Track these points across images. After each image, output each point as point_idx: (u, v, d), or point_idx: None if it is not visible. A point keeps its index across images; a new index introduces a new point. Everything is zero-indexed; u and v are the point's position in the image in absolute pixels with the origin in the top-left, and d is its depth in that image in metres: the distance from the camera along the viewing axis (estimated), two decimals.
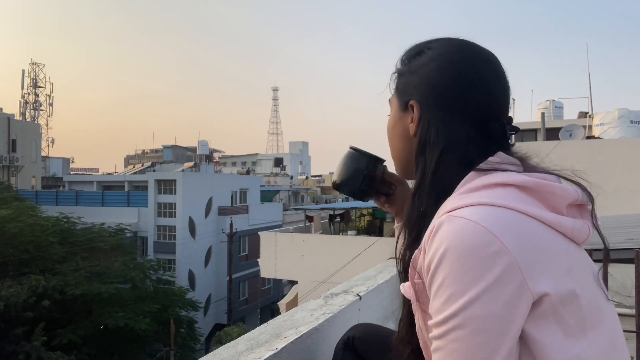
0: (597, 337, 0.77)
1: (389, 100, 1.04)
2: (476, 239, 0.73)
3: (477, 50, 0.95)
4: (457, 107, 0.90)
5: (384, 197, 1.26)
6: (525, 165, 0.89)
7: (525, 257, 0.73)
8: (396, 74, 1.02)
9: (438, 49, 0.95)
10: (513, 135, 0.93)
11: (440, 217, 0.79)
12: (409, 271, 0.87)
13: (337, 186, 1.24)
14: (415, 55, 0.98)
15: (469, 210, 0.77)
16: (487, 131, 0.89)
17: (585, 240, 0.84)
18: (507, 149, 0.91)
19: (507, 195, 0.79)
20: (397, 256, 0.98)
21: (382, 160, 1.24)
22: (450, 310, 0.73)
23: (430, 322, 0.78)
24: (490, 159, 0.87)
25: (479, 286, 0.72)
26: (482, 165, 0.86)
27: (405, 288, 0.89)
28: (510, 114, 0.94)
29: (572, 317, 0.75)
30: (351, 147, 1.25)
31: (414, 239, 0.91)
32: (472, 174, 0.85)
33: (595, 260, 0.89)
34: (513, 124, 0.93)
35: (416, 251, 0.84)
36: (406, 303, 0.97)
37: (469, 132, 0.89)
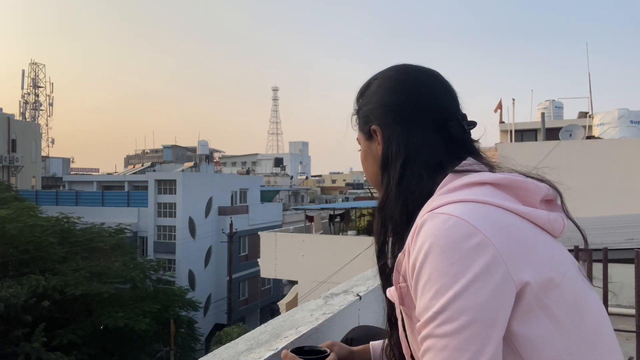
0: (585, 327, 0.78)
1: (357, 139, 1.10)
2: (459, 232, 0.76)
3: (417, 67, 1.04)
4: (411, 117, 0.97)
5: None
6: (494, 168, 0.94)
7: (506, 248, 0.75)
8: (355, 114, 1.09)
9: (382, 76, 1.04)
10: (472, 131, 0.99)
11: (423, 216, 0.82)
12: (394, 275, 0.88)
13: None
14: (365, 90, 1.07)
15: (450, 207, 0.80)
16: (447, 131, 0.95)
17: (561, 232, 0.87)
18: (474, 153, 0.96)
19: (485, 192, 0.83)
20: (378, 266, 1.00)
21: (325, 353, 1.14)
22: (439, 305, 0.74)
23: (418, 324, 0.78)
24: (464, 162, 0.92)
25: (465, 278, 0.73)
26: (457, 167, 0.90)
27: (391, 292, 0.91)
28: (464, 112, 1.01)
29: (559, 308, 0.77)
30: (292, 351, 1.14)
31: (380, 247, 0.97)
32: (449, 176, 0.89)
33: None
34: (469, 120, 0.99)
35: (399, 255, 0.86)
36: (389, 311, 0.99)
37: (429, 137, 0.95)
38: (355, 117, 1.10)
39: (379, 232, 0.97)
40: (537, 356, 0.75)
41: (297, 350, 1.15)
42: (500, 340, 0.73)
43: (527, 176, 0.90)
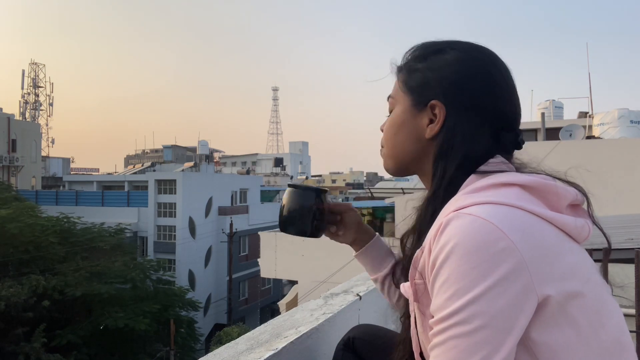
0: (606, 335, 0.77)
1: (390, 96, 1.00)
2: (485, 235, 0.72)
3: (501, 60, 0.93)
4: (484, 113, 0.89)
5: (334, 227, 1.26)
6: (521, 168, 0.90)
7: (532, 255, 0.72)
8: (405, 69, 0.98)
9: (464, 51, 0.92)
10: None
11: (448, 215, 0.78)
12: (410, 271, 0.86)
13: (287, 227, 1.19)
14: (434, 53, 0.94)
15: (477, 208, 0.76)
16: (500, 140, 0.89)
17: (586, 238, 0.84)
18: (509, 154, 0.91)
19: (512, 195, 0.79)
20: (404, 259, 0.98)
21: (325, 191, 1.21)
22: (455, 306, 0.72)
23: (431, 321, 0.77)
24: (491, 160, 0.87)
25: (485, 282, 0.71)
26: (482, 168, 0.86)
27: (405, 288, 0.88)
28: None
29: (582, 316, 0.75)
30: (291, 185, 1.20)
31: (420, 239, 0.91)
32: (473, 176, 0.85)
33: (595, 260, 0.89)
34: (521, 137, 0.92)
35: (417, 251, 0.84)
36: (405, 305, 0.97)
37: (489, 141, 0.88)
38: (403, 70, 0.97)
39: (427, 223, 0.88)
40: None
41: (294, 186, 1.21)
42: (513, 349, 0.72)
43: (555, 178, 0.86)
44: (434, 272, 0.77)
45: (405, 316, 0.97)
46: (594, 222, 0.87)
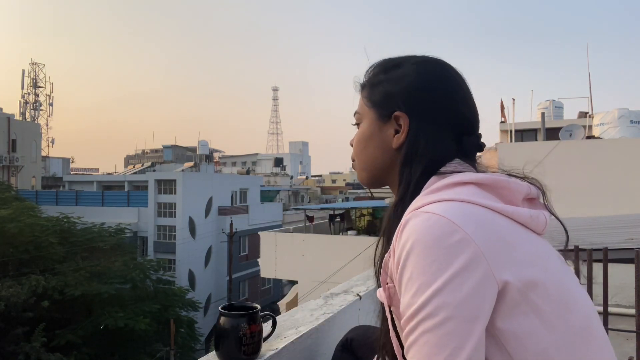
0: (572, 321, 0.79)
1: (357, 112, 1.04)
2: (440, 229, 0.76)
3: (454, 68, 0.99)
4: (445, 119, 0.93)
5: None
6: (478, 168, 0.94)
7: (488, 245, 0.76)
8: (367, 85, 1.02)
9: (419, 63, 0.97)
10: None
11: (407, 215, 0.83)
12: (381, 276, 0.89)
13: (217, 353, 1.24)
14: (393, 68, 0.99)
15: (433, 206, 0.81)
16: (462, 143, 0.93)
17: (544, 229, 0.88)
18: (465, 155, 0.95)
19: (467, 192, 0.83)
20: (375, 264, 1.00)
21: (256, 311, 1.26)
22: (420, 301, 0.75)
23: (402, 321, 0.79)
24: (450, 163, 0.91)
25: (445, 274, 0.74)
26: (441, 169, 0.90)
27: (380, 293, 0.91)
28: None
29: (545, 303, 0.77)
30: (222, 308, 1.23)
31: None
32: (433, 177, 0.89)
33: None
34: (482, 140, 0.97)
35: (386, 255, 0.87)
36: (382, 310, 0.98)
37: (451, 144, 0.93)
38: (365, 88, 1.02)
39: (395, 226, 0.91)
40: (524, 351, 0.75)
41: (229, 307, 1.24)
42: (482, 336, 0.74)
43: (510, 175, 0.90)
44: (399, 272, 0.80)
45: (382, 320, 0.99)
46: (551, 213, 0.91)
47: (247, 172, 48.45)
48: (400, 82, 0.96)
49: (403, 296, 0.79)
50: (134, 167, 45.56)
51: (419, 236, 0.77)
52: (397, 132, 0.95)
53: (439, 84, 0.95)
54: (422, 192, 0.88)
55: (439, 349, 0.73)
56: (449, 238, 0.75)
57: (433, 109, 0.93)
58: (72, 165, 50.39)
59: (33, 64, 57.26)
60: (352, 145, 1.07)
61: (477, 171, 0.92)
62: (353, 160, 1.06)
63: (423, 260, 0.76)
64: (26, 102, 56.03)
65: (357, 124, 1.04)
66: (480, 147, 0.96)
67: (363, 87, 1.03)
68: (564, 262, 0.87)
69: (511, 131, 15.70)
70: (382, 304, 0.95)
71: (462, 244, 0.75)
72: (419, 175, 0.91)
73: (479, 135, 0.97)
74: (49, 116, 57.31)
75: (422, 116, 0.93)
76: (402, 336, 0.80)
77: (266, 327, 1.36)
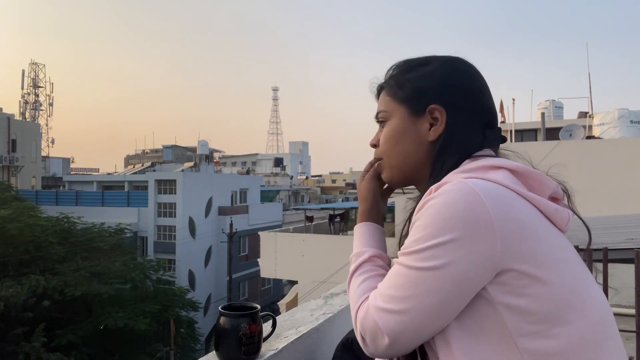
0: (581, 325, 0.78)
1: (382, 111, 1.02)
2: (464, 196, 0.78)
3: (473, 64, 1.02)
4: (476, 111, 0.97)
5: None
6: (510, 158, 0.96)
7: (506, 228, 0.77)
8: (392, 83, 1.02)
9: (445, 60, 1.00)
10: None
11: (438, 185, 0.85)
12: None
13: (217, 353, 1.25)
14: (419, 65, 1.00)
15: (467, 180, 0.82)
16: (487, 136, 0.96)
17: (566, 225, 0.88)
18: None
19: (500, 175, 0.85)
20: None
21: (256, 312, 1.27)
22: (419, 246, 0.79)
23: (399, 252, 0.84)
24: (483, 150, 0.94)
25: (452, 234, 0.76)
26: (477, 153, 0.93)
27: None
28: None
29: (545, 303, 0.77)
30: (221, 308, 1.25)
31: None
32: (467, 160, 0.91)
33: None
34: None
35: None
36: None
37: (480, 136, 0.95)
38: (389, 86, 1.02)
39: None
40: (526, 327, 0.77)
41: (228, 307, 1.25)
42: (455, 301, 0.77)
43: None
44: (413, 221, 0.83)
45: None
46: (575, 213, 0.92)
47: (247, 172, 48.46)
48: (432, 78, 0.97)
49: (408, 238, 0.82)
50: (134, 167, 45.56)
51: (441, 197, 0.79)
52: (432, 125, 0.96)
53: (469, 78, 0.98)
54: (456, 171, 0.90)
55: (409, 285, 0.79)
56: (469, 205, 0.77)
57: (464, 100, 0.96)
58: (72, 165, 50.39)
59: (33, 64, 57.32)
60: (373, 145, 1.06)
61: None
62: (380, 160, 1.05)
63: (437, 215, 0.78)
64: (26, 102, 56.05)
65: (381, 123, 1.04)
66: (504, 139, 0.99)
67: (385, 86, 1.04)
68: (582, 261, 0.87)
69: (511, 131, 15.71)
70: None
71: (479, 214, 0.77)
72: (452, 165, 0.92)
73: (499, 129, 1.00)
74: (49, 116, 57.38)
75: (456, 108, 0.95)
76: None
77: (266, 327, 1.36)
